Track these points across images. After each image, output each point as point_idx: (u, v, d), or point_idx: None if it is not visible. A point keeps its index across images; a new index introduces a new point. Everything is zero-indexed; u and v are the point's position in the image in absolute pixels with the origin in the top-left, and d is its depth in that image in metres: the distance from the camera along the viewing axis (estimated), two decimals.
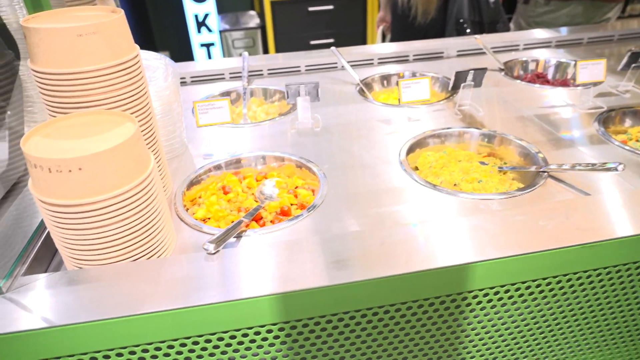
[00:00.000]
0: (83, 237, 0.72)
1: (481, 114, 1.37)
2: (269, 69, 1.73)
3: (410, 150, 1.22)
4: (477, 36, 1.79)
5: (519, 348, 0.93)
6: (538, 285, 0.82)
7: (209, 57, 3.71)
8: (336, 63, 1.76)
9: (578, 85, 1.54)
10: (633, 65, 1.41)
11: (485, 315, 0.84)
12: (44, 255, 0.85)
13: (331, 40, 3.62)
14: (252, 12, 3.93)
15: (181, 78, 1.67)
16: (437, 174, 1.14)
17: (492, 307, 0.83)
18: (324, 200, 1.02)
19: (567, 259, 0.79)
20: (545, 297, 0.84)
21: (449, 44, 1.84)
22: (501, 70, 1.68)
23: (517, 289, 0.81)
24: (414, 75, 1.66)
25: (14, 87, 1.02)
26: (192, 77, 1.69)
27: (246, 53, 1.69)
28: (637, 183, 1.03)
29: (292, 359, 0.79)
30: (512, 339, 0.91)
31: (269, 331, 0.74)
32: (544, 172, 1.07)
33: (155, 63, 1.08)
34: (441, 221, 0.84)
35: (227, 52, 3.72)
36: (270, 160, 1.19)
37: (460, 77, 1.32)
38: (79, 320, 0.66)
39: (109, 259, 0.75)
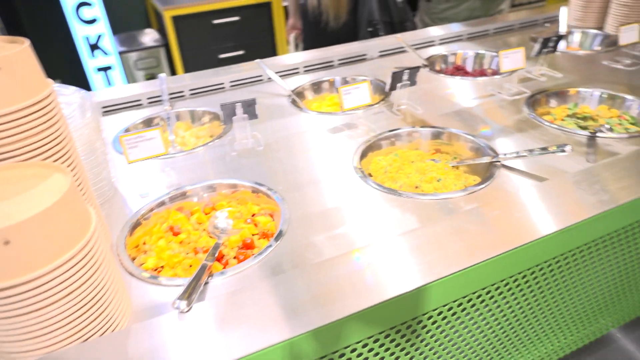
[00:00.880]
0: (19, 325, 0.57)
1: (420, 112, 1.37)
2: (190, 90, 1.59)
3: (363, 156, 1.18)
4: (397, 35, 1.82)
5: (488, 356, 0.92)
6: (497, 289, 0.82)
7: (109, 82, 3.41)
8: (261, 76, 1.67)
9: (495, 74, 1.62)
10: (544, 50, 1.51)
11: (443, 334, 0.82)
12: None
13: (241, 52, 3.51)
14: (150, 30, 3.69)
15: None
16: (394, 178, 1.11)
17: (446, 324, 0.80)
18: (289, 225, 0.93)
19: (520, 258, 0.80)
20: (504, 297, 0.84)
21: (370, 46, 1.84)
22: (425, 66, 1.71)
23: (469, 300, 0.80)
24: (345, 80, 1.63)
25: None
26: (104, 108, 1.51)
27: (164, 75, 1.54)
28: (578, 160, 1.09)
29: None
30: (481, 348, 0.90)
31: None
32: (497, 162, 1.08)
33: (69, 98, 0.93)
34: (384, 243, 0.78)
35: (129, 75, 3.45)
36: (222, 187, 1.08)
37: (396, 77, 1.31)
38: None
39: (54, 345, 0.61)
